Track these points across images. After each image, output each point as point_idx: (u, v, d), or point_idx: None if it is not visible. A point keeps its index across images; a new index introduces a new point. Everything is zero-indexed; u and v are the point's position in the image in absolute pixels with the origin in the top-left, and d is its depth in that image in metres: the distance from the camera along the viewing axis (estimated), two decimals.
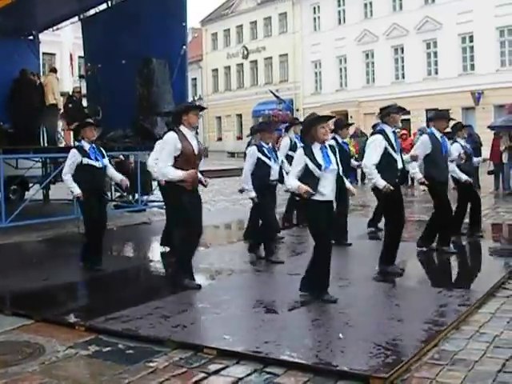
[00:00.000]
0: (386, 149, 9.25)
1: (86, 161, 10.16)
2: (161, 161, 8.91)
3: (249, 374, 5.64)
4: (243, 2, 66.73)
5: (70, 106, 19.54)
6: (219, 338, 6.50)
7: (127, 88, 18.05)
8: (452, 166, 11.79)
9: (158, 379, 5.55)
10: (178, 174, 8.59)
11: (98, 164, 10.29)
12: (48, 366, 5.90)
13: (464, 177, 12.13)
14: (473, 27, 44.97)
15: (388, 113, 9.53)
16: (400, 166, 9.51)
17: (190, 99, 38.83)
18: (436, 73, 48.41)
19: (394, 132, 9.54)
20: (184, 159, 8.66)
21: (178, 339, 6.50)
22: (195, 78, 71.41)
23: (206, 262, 11.05)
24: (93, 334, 6.85)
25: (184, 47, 18.24)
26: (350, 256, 11.44)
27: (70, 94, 20.42)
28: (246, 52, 66.72)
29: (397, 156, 9.41)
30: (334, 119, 10.29)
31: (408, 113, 48.01)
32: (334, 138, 12.04)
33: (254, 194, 10.55)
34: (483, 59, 44.47)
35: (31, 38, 22.65)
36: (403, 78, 50.65)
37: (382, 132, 9.40)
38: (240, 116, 65.64)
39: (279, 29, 62.89)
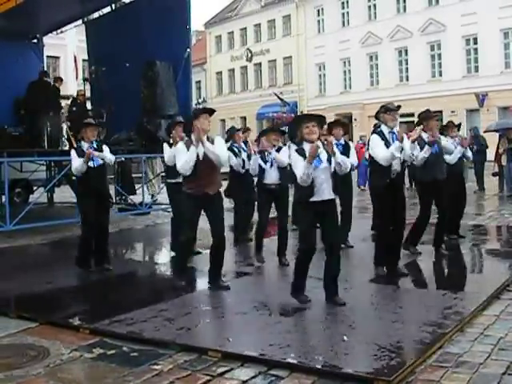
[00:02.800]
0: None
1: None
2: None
3: (253, 377, 5.63)
4: (247, 4, 66.76)
5: (74, 109, 19.55)
6: (223, 341, 6.50)
7: (131, 91, 18.08)
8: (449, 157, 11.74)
9: (163, 382, 5.55)
10: None
11: (92, 164, 10.24)
12: (52, 369, 5.90)
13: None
14: (477, 29, 45.00)
15: (378, 112, 9.65)
16: (395, 166, 9.37)
17: (194, 102, 38.87)
18: (440, 75, 48.43)
19: (391, 132, 9.40)
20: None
21: (182, 342, 6.50)
22: (199, 81, 71.45)
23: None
24: (97, 336, 6.86)
25: (188, 50, 18.25)
26: (353, 258, 11.42)
27: (74, 97, 20.44)
28: (250, 54, 66.74)
29: None
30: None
31: (412, 115, 48.09)
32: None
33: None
34: (487, 61, 44.49)
35: (35, 41, 22.69)
36: (407, 80, 50.67)
37: (379, 132, 9.41)
38: (244, 119, 65.65)
39: (283, 31, 62.91)
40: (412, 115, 47.91)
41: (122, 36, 18.96)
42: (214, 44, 72.50)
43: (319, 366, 5.72)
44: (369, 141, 10.01)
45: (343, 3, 55.92)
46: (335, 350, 6.14)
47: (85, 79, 20.54)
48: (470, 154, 12.89)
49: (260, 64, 66.11)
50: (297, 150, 7.84)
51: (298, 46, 60.54)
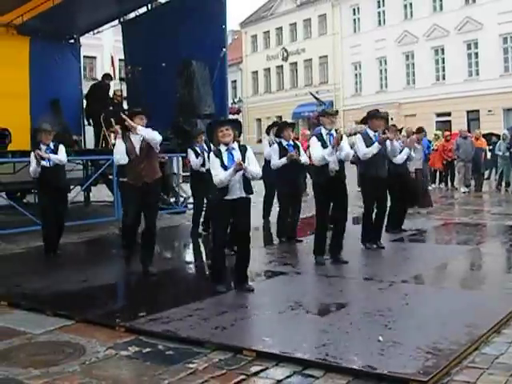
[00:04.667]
0: None
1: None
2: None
3: (288, 376, 5.63)
4: (282, 4, 66.78)
5: (111, 108, 19.67)
6: (258, 340, 6.51)
7: (167, 90, 18.14)
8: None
9: (198, 380, 5.56)
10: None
11: (46, 163, 11.46)
12: (88, 366, 5.95)
13: None
14: None
15: (318, 116, 10.55)
16: (332, 165, 10.13)
17: (230, 101, 38.96)
18: (477, 74, 48.07)
19: (329, 134, 10.19)
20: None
21: (217, 341, 6.51)
22: (235, 81, 71.60)
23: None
24: (133, 334, 6.89)
25: (224, 50, 18.28)
26: (389, 258, 11.39)
27: (111, 96, 20.56)
28: (285, 54, 66.78)
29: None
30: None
31: (449, 114, 47.80)
32: (279, 143, 12.66)
33: None
34: None
35: (72, 41, 22.81)
36: (444, 79, 50.35)
37: (318, 134, 10.28)
38: (280, 118, 65.57)
39: (319, 30, 62.88)
40: (449, 114, 47.77)
41: (158, 36, 19.04)
42: (250, 43, 72.62)
43: (354, 366, 5.71)
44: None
45: (379, 2, 55.75)
46: (370, 350, 6.12)
47: (121, 79, 20.67)
48: (413, 154, 13.54)
49: (296, 63, 66.12)
50: (214, 152, 8.80)
51: (334, 45, 60.44)
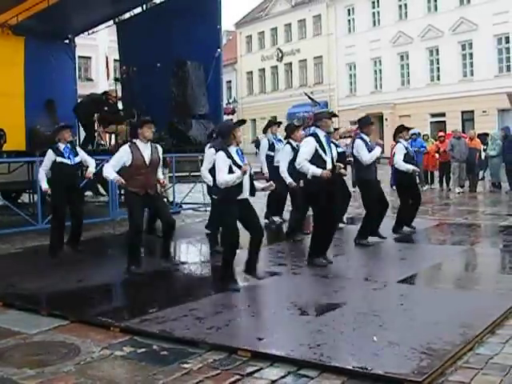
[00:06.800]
0: (316, 150, 9.98)
1: (59, 159, 11.66)
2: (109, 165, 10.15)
3: (283, 377, 5.63)
4: (277, 4, 66.79)
5: (106, 108, 19.66)
6: (253, 340, 6.50)
7: (162, 91, 18.16)
8: (397, 161, 13.10)
9: (192, 380, 5.57)
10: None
11: (69, 162, 11.77)
12: (83, 367, 5.94)
13: (410, 167, 13.00)
14: (509, 28, 44.64)
15: (320, 118, 10.33)
16: (329, 167, 10.05)
17: (225, 102, 38.96)
18: (471, 74, 48.08)
19: (326, 136, 10.22)
20: (134, 168, 9.97)
21: (212, 341, 6.51)
22: (230, 81, 71.56)
23: (241, 264, 11.07)
24: (128, 335, 6.89)
25: (218, 50, 18.32)
26: (383, 258, 11.41)
27: (105, 98, 20.54)
28: (280, 54, 66.77)
29: (327, 158, 10.08)
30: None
31: (443, 115, 47.82)
32: (288, 143, 12.91)
33: None
34: None
35: (67, 41, 22.82)
36: (438, 79, 50.36)
37: (315, 135, 10.13)
38: (275, 118, 65.52)
39: (314, 31, 62.87)
40: (443, 115, 47.78)
41: (153, 36, 19.06)
42: (245, 44, 72.64)
43: (349, 367, 5.71)
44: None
45: (374, 2, 55.75)
46: (365, 350, 6.13)
47: (116, 79, 20.65)
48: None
49: (290, 64, 66.13)
50: (225, 152, 8.77)
51: (329, 45, 60.44)
